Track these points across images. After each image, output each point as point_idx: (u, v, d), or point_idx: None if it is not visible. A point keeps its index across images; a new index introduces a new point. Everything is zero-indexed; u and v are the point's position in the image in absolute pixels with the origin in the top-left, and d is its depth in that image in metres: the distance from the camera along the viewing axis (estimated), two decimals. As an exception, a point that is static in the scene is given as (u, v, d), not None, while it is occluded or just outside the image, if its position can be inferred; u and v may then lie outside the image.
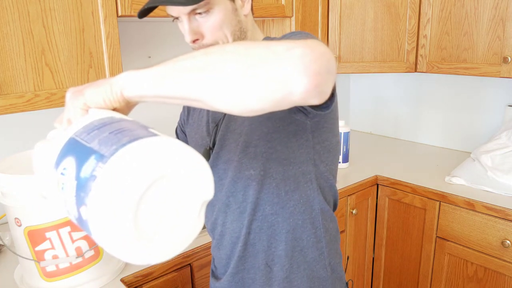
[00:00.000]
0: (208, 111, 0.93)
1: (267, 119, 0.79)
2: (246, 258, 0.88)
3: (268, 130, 0.80)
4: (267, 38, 0.87)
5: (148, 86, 0.53)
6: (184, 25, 0.77)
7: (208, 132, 0.91)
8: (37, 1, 1.04)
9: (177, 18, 0.79)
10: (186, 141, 1.04)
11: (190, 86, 0.51)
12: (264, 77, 0.47)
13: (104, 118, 0.52)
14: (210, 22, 0.77)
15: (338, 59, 1.85)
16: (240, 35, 0.82)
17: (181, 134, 1.07)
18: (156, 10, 1.22)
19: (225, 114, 0.87)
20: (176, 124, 1.10)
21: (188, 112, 1.03)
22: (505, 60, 1.54)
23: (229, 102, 0.49)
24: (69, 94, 0.57)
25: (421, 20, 1.77)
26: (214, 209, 0.92)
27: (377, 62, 1.85)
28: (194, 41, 0.78)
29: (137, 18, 1.33)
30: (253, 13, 0.87)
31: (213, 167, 0.88)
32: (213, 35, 0.78)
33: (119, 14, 1.17)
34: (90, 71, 1.16)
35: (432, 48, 1.76)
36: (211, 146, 0.89)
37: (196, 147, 0.94)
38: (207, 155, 0.89)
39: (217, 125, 0.89)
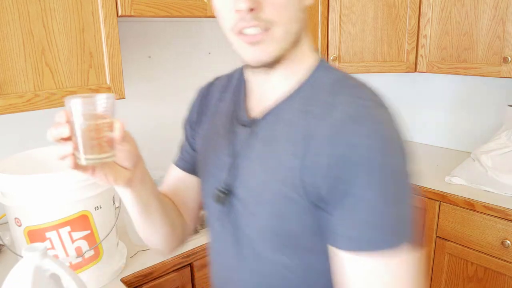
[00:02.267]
0: (229, 131, 0.71)
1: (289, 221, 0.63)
2: None
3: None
4: (323, 63, 0.68)
5: None
6: None
7: (224, 163, 0.70)
8: (37, 1, 1.04)
9: None
10: (193, 136, 0.83)
11: None
12: None
13: None
14: None
15: (338, 59, 1.85)
16: (297, 32, 0.63)
17: (191, 130, 0.84)
18: (156, 10, 1.23)
19: (244, 152, 0.68)
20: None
21: (199, 116, 0.82)
22: (505, 60, 1.54)
23: None
24: None
25: (421, 20, 1.77)
26: (223, 267, 0.76)
27: (377, 62, 1.85)
28: (251, 10, 0.57)
29: (137, 18, 1.33)
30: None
31: (230, 219, 0.70)
32: (278, 13, 0.59)
33: (119, 14, 1.17)
34: (90, 71, 1.16)
35: (432, 48, 1.76)
36: (224, 189, 0.69)
37: (212, 168, 0.74)
38: (221, 201, 0.69)
39: (234, 161, 0.68)
